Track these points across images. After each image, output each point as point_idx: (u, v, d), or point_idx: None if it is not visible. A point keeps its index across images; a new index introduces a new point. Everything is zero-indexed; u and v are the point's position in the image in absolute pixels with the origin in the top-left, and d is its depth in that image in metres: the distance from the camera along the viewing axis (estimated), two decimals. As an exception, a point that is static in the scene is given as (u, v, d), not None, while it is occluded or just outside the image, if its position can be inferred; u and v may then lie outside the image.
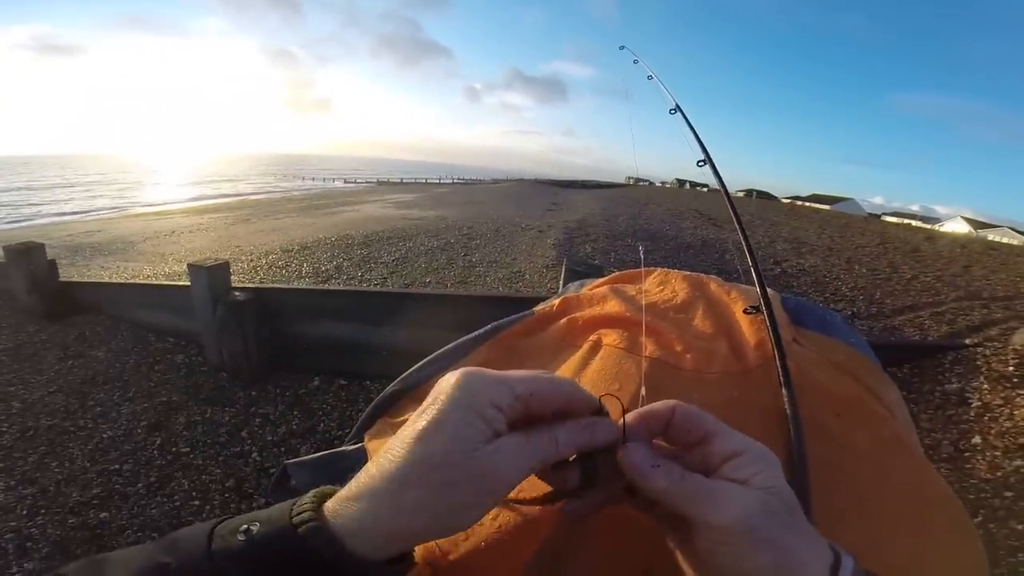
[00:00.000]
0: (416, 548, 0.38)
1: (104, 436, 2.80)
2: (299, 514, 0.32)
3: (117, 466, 2.59)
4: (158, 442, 2.76)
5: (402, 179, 54.98)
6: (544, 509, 0.40)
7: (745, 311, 0.67)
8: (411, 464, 0.31)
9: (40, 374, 3.40)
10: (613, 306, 0.70)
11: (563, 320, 0.71)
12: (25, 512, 2.27)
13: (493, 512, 0.44)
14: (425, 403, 0.34)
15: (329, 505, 0.33)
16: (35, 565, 1.99)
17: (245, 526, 0.32)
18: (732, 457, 0.34)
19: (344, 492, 0.33)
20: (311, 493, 0.35)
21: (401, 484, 0.31)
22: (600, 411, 0.37)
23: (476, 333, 0.71)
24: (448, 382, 0.34)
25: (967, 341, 3.45)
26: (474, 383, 0.33)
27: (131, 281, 5.37)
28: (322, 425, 2.98)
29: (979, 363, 3.09)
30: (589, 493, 0.37)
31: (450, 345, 0.66)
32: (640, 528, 0.41)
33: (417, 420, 0.33)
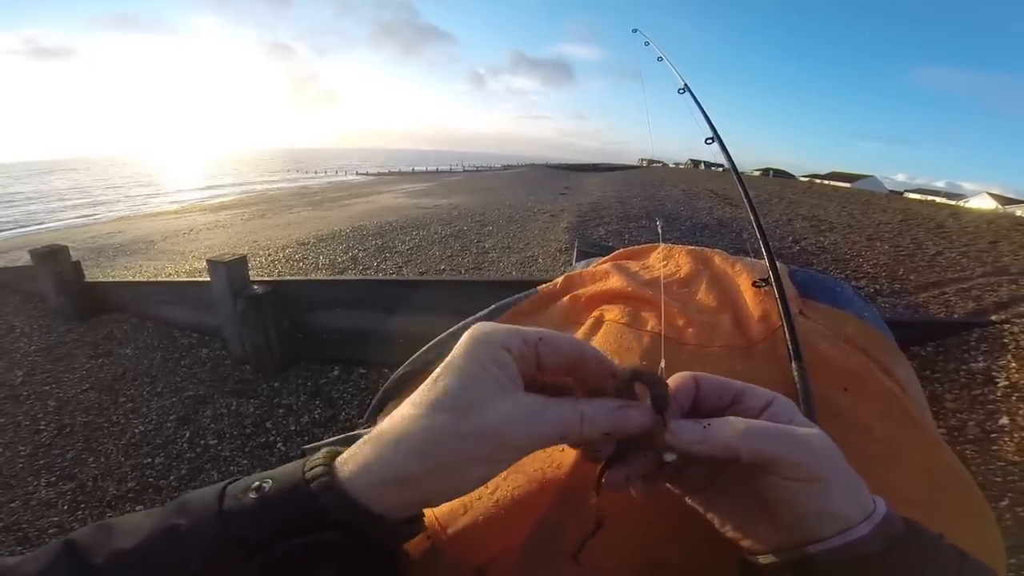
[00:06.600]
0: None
1: (136, 431, 2.90)
2: (311, 468, 0.32)
3: (150, 459, 2.68)
4: (187, 435, 2.85)
5: (413, 168, 55.23)
6: (544, 484, 0.40)
7: (754, 284, 0.66)
8: (421, 406, 0.31)
9: (73, 372, 3.52)
10: (615, 282, 0.70)
11: (566, 298, 0.72)
12: (66, 507, 2.36)
13: (492, 486, 0.44)
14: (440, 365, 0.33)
15: (340, 458, 0.33)
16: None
17: (257, 483, 0.32)
18: (766, 407, 0.34)
19: (356, 444, 0.33)
20: (324, 450, 0.34)
21: (408, 425, 0.31)
22: (630, 382, 0.34)
23: (478, 314, 0.72)
24: (461, 338, 0.33)
25: (993, 318, 3.33)
26: (484, 330, 0.33)
27: (154, 279, 5.50)
28: (343, 414, 3.04)
29: (1006, 340, 2.98)
30: (622, 465, 0.35)
31: (453, 327, 0.66)
32: (646, 520, 0.40)
33: (433, 375, 0.33)
